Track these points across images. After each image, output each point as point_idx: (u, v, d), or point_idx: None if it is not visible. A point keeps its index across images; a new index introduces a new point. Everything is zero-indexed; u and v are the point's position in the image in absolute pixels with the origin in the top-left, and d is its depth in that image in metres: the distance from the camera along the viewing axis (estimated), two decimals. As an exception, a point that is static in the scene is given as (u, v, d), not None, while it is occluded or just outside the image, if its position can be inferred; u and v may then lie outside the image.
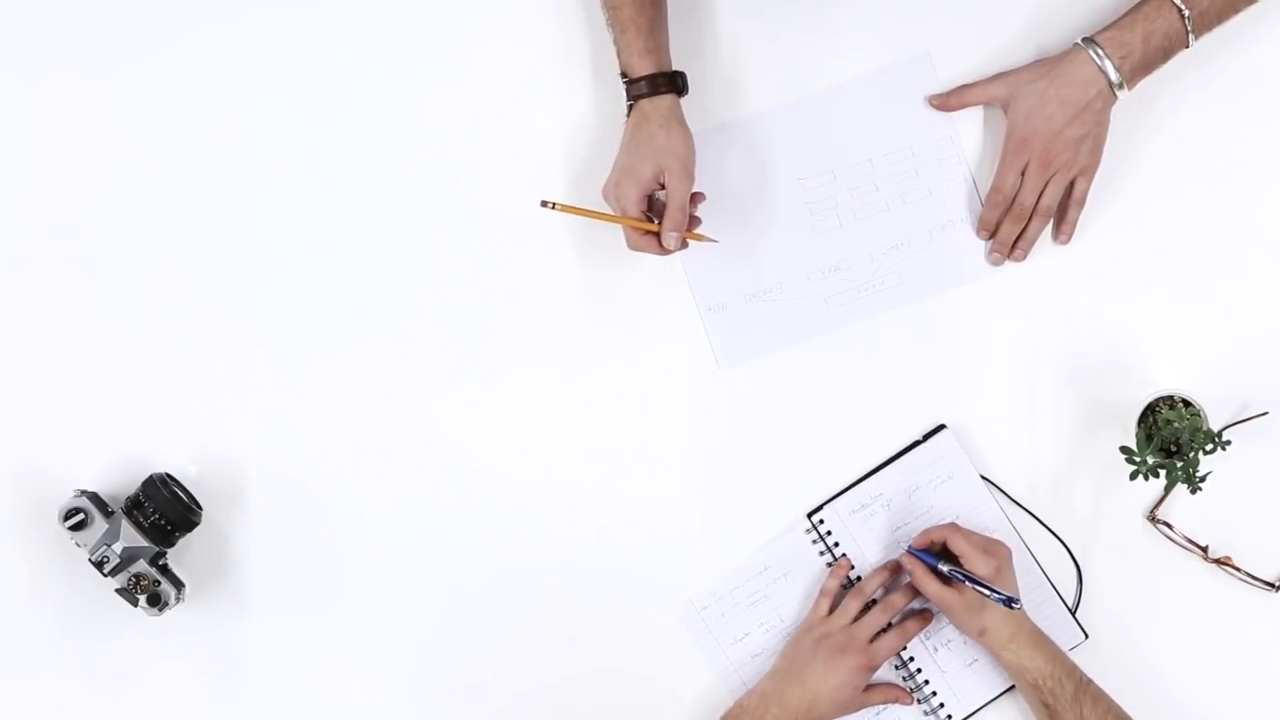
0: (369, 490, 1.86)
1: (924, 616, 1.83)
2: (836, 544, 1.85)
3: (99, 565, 1.78)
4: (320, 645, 1.86)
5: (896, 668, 1.85)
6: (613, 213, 1.78)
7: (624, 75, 1.77)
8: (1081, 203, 1.84)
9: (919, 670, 1.84)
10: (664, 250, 1.77)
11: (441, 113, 1.88)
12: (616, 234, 1.84)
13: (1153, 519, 1.83)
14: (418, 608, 1.86)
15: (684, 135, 1.77)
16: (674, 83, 1.78)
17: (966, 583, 1.76)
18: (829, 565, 1.86)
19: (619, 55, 1.78)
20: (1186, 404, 1.79)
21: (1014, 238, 1.85)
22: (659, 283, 1.86)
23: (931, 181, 1.87)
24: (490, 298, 1.87)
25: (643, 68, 1.76)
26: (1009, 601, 1.74)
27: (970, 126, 1.87)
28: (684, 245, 1.77)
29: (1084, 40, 1.79)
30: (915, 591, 1.82)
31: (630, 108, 1.77)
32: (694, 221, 1.79)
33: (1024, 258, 1.86)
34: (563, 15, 1.87)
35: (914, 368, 1.87)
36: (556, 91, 1.88)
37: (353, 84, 1.88)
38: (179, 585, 1.81)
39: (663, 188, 1.76)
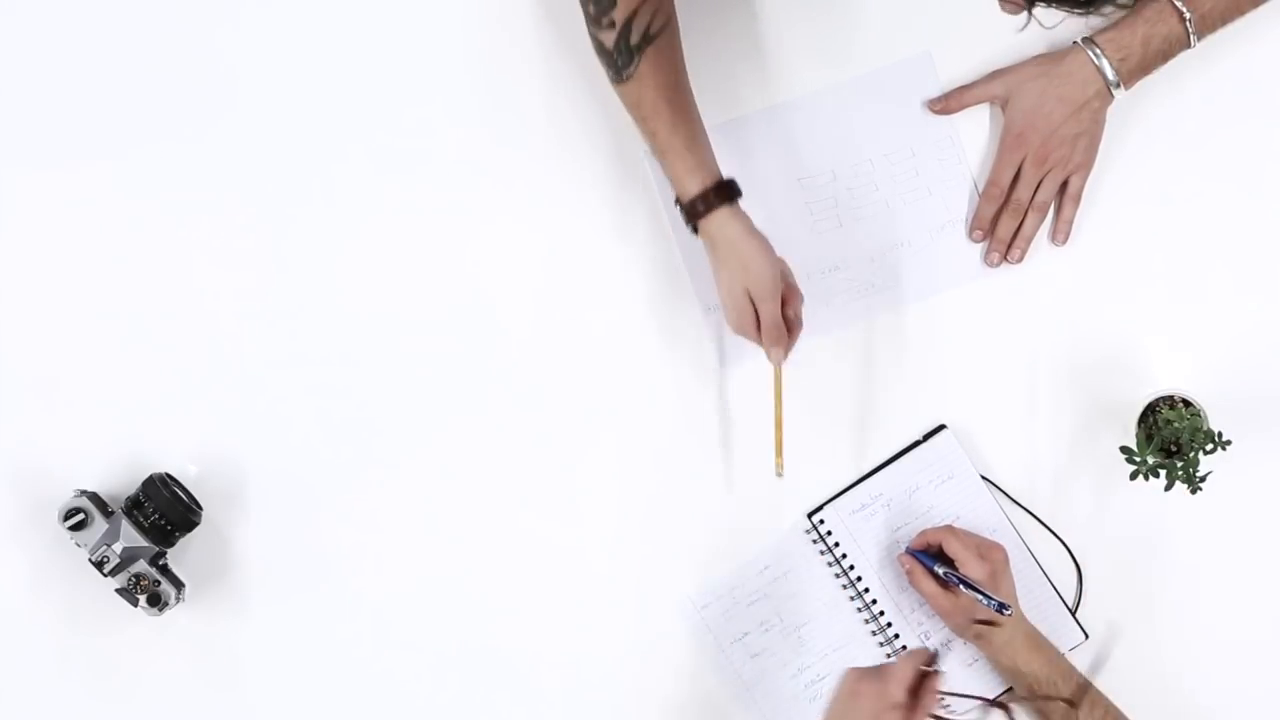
0: (369, 490, 1.86)
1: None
2: (837, 544, 1.86)
3: (99, 565, 1.78)
4: (320, 645, 1.86)
5: (896, 668, 1.85)
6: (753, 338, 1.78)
7: (677, 201, 1.74)
8: (1077, 200, 1.85)
9: (919, 670, 1.85)
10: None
11: (445, 116, 1.88)
12: (615, 237, 1.85)
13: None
14: (417, 606, 1.86)
15: (755, 249, 1.72)
16: (724, 192, 1.73)
17: (961, 586, 1.76)
18: (829, 565, 1.86)
19: (670, 182, 1.75)
20: (1186, 404, 1.79)
21: (1011, 235, 1.85)
22: (659, 283, 1.86)
23: (931, 181, 1.87)
24: (490, 300, 1.87)
25: (692, 187, 1.72)
26: (1000, 608, 1.74)
27: (970, 127, 1.87)
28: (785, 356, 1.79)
29: (1083, 40, 1.80)
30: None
31: (694, 229, 1.74)
32: (795, 329, 1.77)
33: (1021, 258, 1.86)
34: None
35: (914, 368, 1.87)
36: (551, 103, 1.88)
37: (360, 94, 1.87)
38: (179, 585, 1.81)
39: None
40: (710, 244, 1.74)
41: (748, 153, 1.84)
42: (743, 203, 1.74)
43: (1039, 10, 1.44)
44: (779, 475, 1.81)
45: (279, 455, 1.86)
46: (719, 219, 1.72)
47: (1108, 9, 1.42)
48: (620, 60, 1.70)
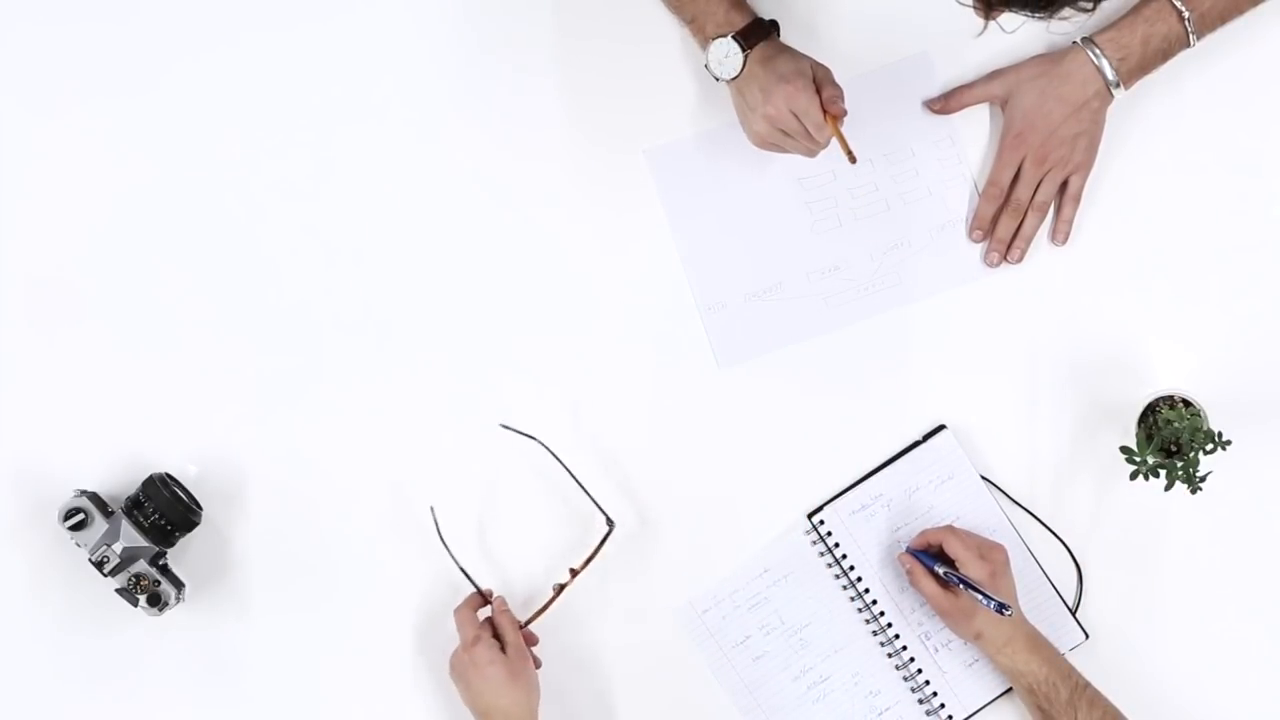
0: (369, 490, 1.86)
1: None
2: (837, 544, 1.85)
3: (99, 565, 1.78)
4: (320, 645, 1.86)
5: (898, 668, 1.85)
6: (783, 143, 1.76)
7: (721, 35, 1.73)
8: (1077, 200, 1.85)
9: (919, 670, 1.84)
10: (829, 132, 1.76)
11: (442, 117, 1.88)
12: (620, 233, 1.86)
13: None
14: (417, 607, 1.86)
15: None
16: (776, 25, 1.77)
17: (961, 586, 1.76)
18: (829, 566, 1.86)
19: (705, 28, 1.75)
20: (1186, 404, 1.79)
21: (1011, 235, 1.85)
22: (659, 282, 1.87)
23: (931, 181, 1.87)
24: (488, 298, 1.87)
25: (741, 19, 1.74)
26: (1000, 608, 1.74)
27: (970, 126, 1.87)
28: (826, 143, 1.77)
29: (1083, 40, 1.80)
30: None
31: (745, 59, 1.73)
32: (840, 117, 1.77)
33: (1020, 258, 1.86)
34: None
35: (914, 368, 1.87)
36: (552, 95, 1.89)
37: (360, 95, 1.88)
38: (179, 585, 1.81)
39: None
40: (762, 59, 1.74)
41: (748, 152, 1.84)
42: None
43: (1001, 16, 1.44)
44: (853, 162, 1.77)
45: (279, 455, 1.86)
46: (775, 42, 1.75)
47: (1066, 11, 1.42)
48: None
